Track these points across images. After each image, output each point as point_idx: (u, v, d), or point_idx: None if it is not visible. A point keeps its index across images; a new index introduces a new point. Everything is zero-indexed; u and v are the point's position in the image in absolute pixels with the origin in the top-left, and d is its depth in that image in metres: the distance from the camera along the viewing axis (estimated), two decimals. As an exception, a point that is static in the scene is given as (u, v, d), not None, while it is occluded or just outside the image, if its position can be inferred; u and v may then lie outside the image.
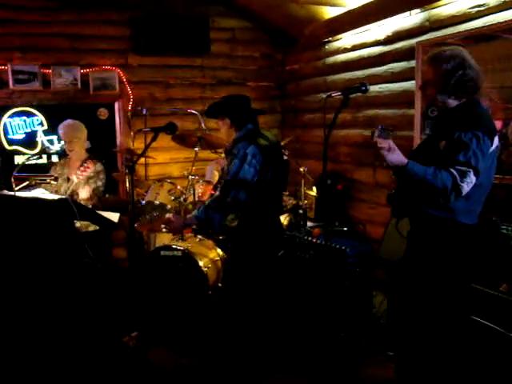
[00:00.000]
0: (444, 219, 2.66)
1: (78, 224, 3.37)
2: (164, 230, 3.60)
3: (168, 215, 3.61)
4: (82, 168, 4.50)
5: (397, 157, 2.48)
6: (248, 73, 6.39)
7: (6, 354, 3.38)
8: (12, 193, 3.37)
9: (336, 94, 2.69)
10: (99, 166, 4.57)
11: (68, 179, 4.50)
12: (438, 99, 2.72)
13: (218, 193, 3.35)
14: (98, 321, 3.72)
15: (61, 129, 4.58)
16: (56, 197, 3.28)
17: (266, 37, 6.41)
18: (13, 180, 3.59)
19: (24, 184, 3.73)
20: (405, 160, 2.48)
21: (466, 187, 2.50)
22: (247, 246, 3.42)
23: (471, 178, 2.50)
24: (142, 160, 5.47)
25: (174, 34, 5.68)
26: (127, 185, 4.83)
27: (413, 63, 4.40)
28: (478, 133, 2.52)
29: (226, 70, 6.25)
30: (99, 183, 4.52)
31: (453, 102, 2.70)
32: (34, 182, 3.78)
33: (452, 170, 2.48)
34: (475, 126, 2.55)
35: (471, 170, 2.49)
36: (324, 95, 5.68)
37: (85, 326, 3.62)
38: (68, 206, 3.15)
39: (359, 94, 2.80)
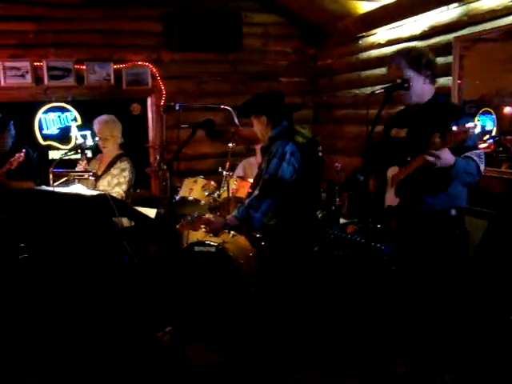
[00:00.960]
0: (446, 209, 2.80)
1: (116, 219, 3.39)
2: (204, 230, 3.57)
3: (208, 215, 3.57)
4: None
5: (450, 157, 2.51)
6: (280, 68, 6.37)
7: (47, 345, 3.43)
8: (51, 188, 3.41)
9: (379, 91, 2.67)
10: (125, 164, 4.51)
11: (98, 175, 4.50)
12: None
13: (257, 192, 3.31)
14: (133, 315, 3.75)
15: (95, 124, 4.58)
16: (95, 193, 3.31)
17: (298, 32, 6.38)
18: (51, 176, 3.63)
19: (63, 180, 3.77)
20: (454, 158, 2.52)
21: (483, 167, 2.68)
22: (285, 244, 3.40)
23: (483, 157, 2.69)
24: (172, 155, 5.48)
25: (207, 29, 5.68)
26: (161, 180, 4.88)
27: (450, 59, 4.33)
28: (469, 118, 2.75)
29: (258, 65, 6.24)
30: (121, 180, 4.44)
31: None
32: (72, 178, 3.82)
33: (470, 155, 2.64)
34: (463, 112, 2.86)
35: (480, 150, 2.70)
36: (357, 91, 5.67)
37: (121, 320, 3.65)
38: (107, 202, 3.17)
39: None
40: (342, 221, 4.87)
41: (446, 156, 2.44)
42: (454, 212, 2.82)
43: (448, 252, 2.82)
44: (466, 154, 2.63)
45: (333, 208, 4.86)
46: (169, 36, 5.74)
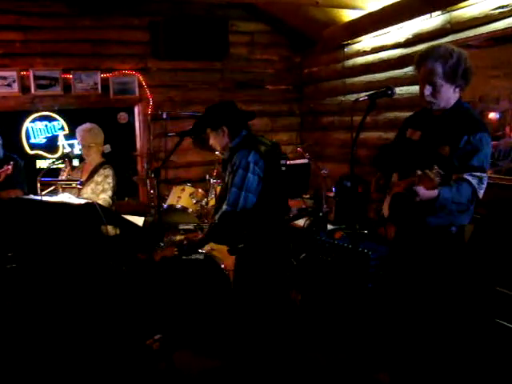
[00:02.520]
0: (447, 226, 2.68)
1: (104, 228, 3.40)
2: (176, 253, 3.62)
3: (179, 237, 3.58)
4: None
5: (428, 193, 2.35)
6: (266, 76, 6.43)
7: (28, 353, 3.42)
8: (39, 197, 3.41)
9: (363, 99, 2.67)
10: (107, 171, 4.47)
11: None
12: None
13: (225, 206, 3.23)
14: (122, 323, 3.75)
15: (78, 133, 4.56)
16: (83, 201, 3.32)
17: (284, 40, 6.44)
18: (39, 185, 3.63)
19: (50, 189, 3.77)
20: (435, 192, 2.37)
21: (482, 192, 2.49)
22: (256, 251, 3.35)
23: (485, 182, 2.49)
24: (159, 163, 5.49)
25: (194, 38, 5.71)
26: (149, 189, 4.89)
27: (433, 66, 4.38)
28: (485, 134, 2.55)
29: (244, 73, 6.29)
30: (106, 186, 4.39)
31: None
32: (59, 187, 3.82)
33: (468, 178, 2.44)
34: (480, 127, 2.57)
35: (485, 174, 2.49)
36: (343, 98, 5.73)
37: (109, 327, 3.65)
38: (95, 211, 3.18)
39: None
40: (329, 227, 4.91)
41: (424, 192, 2.31)
42: (454, 229, 2.70)
43: (445, 267, 2.74)
44: (465, 175, 2.44)
45: (320, 214, 4.89)
46: (156, 45, 5.77)
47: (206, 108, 3.55)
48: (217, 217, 3.29)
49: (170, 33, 5.65)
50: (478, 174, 2.46)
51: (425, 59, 2.71)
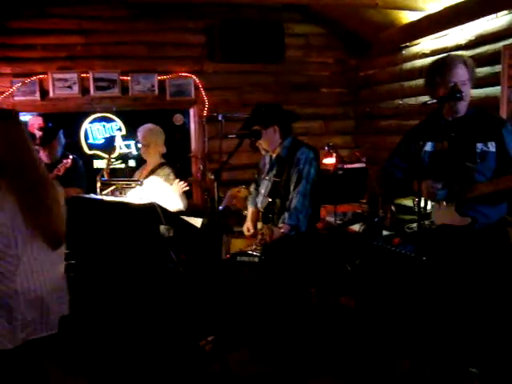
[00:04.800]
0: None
1: (162, 228, 3.42)
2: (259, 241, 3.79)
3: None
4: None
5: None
6: (321, 78, 6.37)
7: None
8: (100, 197, 3.46)
9: (431, 102, 2.62)
10: (167, 170, 4.49)
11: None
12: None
13: (298, 196, 3.53)
14: (177, 324, 3.77)
15: (140, 132, 4.63)
16: (143, 201, 3.35)
17: (339, 42, 6.38)
18: (99, 185, 3.69)
19: (111, 188, 3.83)
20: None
21: None
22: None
23: None
24: (214, 165, 5.51)
25: (249, 40, 5.72)
26: (204, 191, 4.90)
27: (498, 68, 4.24)
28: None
29: (299, 76, 6.25)
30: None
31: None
32: (120, 186, 3.88)
33: None
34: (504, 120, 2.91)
35: None
36: (400, 101, 5.61)
37: (165, 328, 3.67)
38: (154, 211, 3.21)
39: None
40: (384, 233, 4.82)
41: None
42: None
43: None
44: None
45: (375, 220, 4.81)
46: (211, 47, 5.82)
47: (254, 108, 3.67)
48: (292, 205, 3.62)
49: (225, 36, 5.68)
50: None
51: (461, 62, 2.81)
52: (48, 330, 2.38)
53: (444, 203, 2.86)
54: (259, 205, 3.92)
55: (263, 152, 3.96)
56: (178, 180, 4.21)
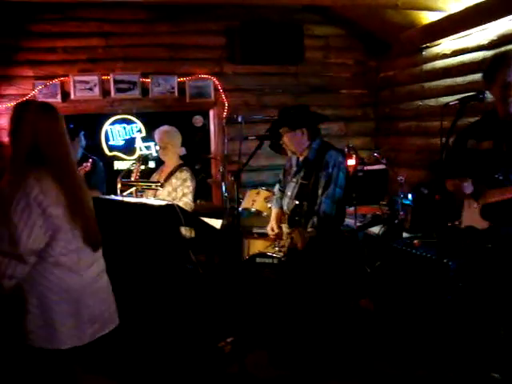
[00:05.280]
0: None
1: (182, 230, 3.44)
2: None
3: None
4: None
5: None
6: (341, 80, 6.34)
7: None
8: (120, 198, 3.48)
9: (454, 103, 2.60)
10: (185, 174, 4.49)
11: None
12: None
13: (327, 199, 3.51)
14: (196, 325, 3.78)
15: (156, 134, 4.65)
16: (163, 203, 3.36)
17: (359, 44, 6.35)
18: (120, 186, 3.71)
19: (131, 189, 3.85)
20: None
21: None
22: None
23: None
24: (234, 166, 5.51)
25: (269, 42, 5.72)
26: (224, 192, 4.91)
27: (521, 69, 4.18)
28: None
29: (319, 78, 6.23)
30: (186, 190, 4.41)
31: None
32: (140, 188, 3.90)
33: None
34: None
35: None
36: (421, 102, 5.56)
37: (184, 329, 3.68)
38: (174, 212, 3.22)
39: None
40: (404, 235, 4.78)
41: None
42: None
43: None
44: None
45: (395, 222, 4.77)
46: (231, 49, 5.84)
47: (281, 110, 3.63)
48: (321, 209, 3.57)
49: (245, 38, 5.69)
50: None
51: (505, 63, 2.80)
52: (112, 323, 2.40)
53: (474, 205, 2.83)
54: (285, 207, 3.85)
55: (289, 153, 3.93)
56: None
